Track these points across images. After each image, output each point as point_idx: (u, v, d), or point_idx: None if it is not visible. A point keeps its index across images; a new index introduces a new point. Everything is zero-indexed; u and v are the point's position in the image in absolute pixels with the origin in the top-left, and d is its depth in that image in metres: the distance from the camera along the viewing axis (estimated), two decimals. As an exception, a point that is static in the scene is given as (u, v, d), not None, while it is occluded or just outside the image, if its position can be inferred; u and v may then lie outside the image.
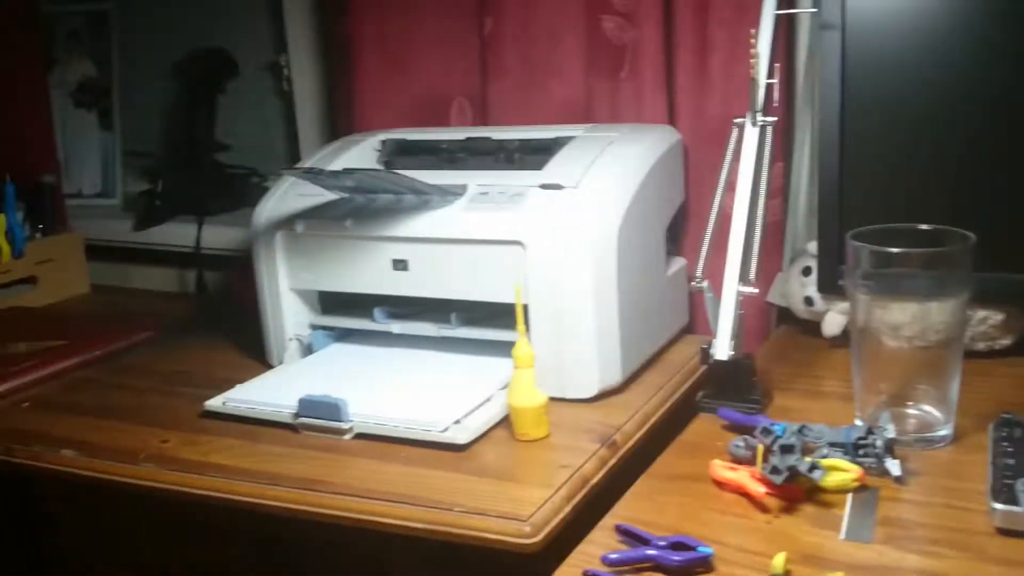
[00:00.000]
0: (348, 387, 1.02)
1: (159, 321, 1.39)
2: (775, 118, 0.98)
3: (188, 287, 1.73)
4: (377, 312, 1.15)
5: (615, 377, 1.02)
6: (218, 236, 1.64)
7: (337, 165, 1.18)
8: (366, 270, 1.10)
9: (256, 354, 1.23)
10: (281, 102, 1.78)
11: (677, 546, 0.72)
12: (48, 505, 1.07)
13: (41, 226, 1.59)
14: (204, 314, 1.51)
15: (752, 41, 0.97)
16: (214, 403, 1.05)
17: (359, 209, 1.10)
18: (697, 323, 1.22)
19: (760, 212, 0.96)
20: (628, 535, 0.75)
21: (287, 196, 1.17)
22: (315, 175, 1.01)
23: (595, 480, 0.88)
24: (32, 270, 1.54)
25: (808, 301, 1.14)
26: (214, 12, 1.79)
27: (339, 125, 1.50)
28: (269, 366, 1.20)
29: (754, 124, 0.98)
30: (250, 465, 0.94)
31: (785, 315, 1.21)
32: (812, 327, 1.16)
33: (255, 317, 1.21)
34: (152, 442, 1.00)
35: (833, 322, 1.11)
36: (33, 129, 1.69)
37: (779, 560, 0.69)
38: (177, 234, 1.68)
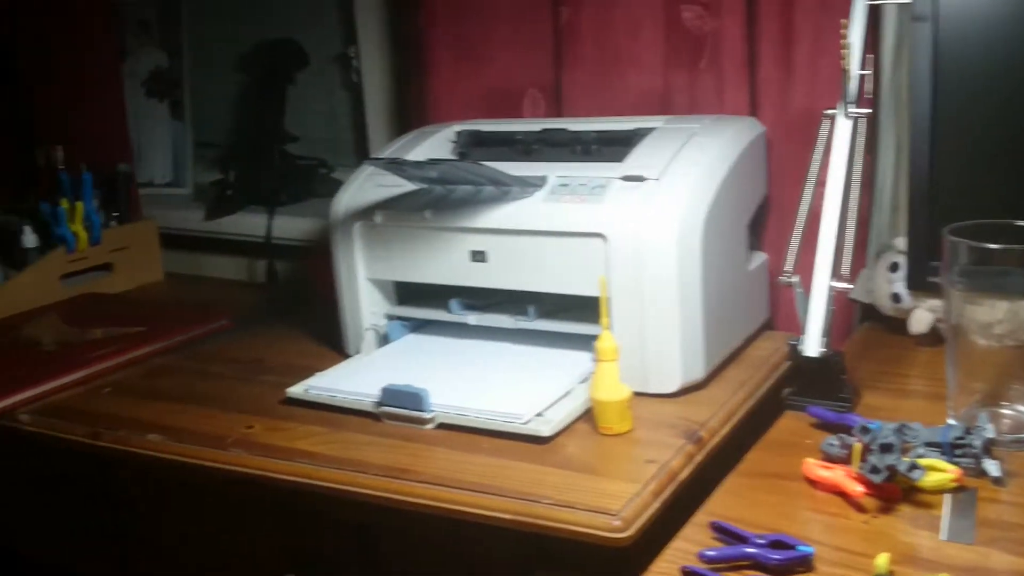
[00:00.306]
0: (427, 377, 1.02)
1: (233, 309, 1.40)
2: (868, 110, 0.96)
3: (257, 276, 1.75)
4: (453, 303, 1.15)
5: (698, 372, 1.01)
6: (287, 226, 1.66)
7: (413, 156, 1.18)
8: (444, 261, 1.10)
9: (331, 343, 1.24)
10: (349, 93, 1.79)
11: (776, 544, 0.71)
12: (130, 489, 1.09)
13: (116, 214, 1.61)
14: (276, 303, 1.53)
15: (843, 31, 0.95)
16: (296, 390, 1.06)
17: (438, 200, 1.10)
18: (777, 318, 1.20)
19: (853, 206, 0.94)
20: (724, 532, 0.74)
21: (365, 187, 1.17)
22: (398, 166, 1.02)
23: (683, 476, 0.87)
24: (108, 257, 1.57)
25: (895, 298, 1.12)
26: (284, 3, 1.81)
27: (410, 116, 1.50)
28: (345, 355, 1.20)
29: (846, 116, 0.96)
30: (335, 452, 0.94)
31: (868, 312, 1.19)
32: (897, 324, 1.14)
33: (329, 306, 1.22)
34: (237, 428, 1.01)
35: (921, 319, 1.09)
36: (108, 119, 1.72)
37: (883, 560, 0.68)
38: (247, 224, 1.70)
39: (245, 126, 1.85)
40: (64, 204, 1.49)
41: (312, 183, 1.76)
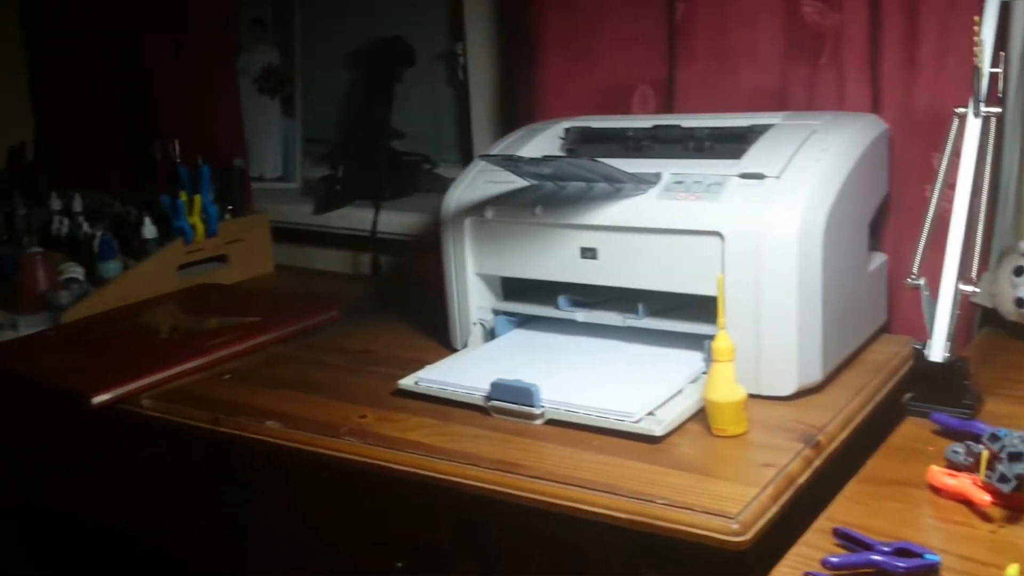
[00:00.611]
0: (536, 373, 1.02)
1: (341, 302, 1.43)
2: (999, 109, 0.93)
3: (361, 269, 1.78)
4: (561, 300, 1.15)
5: (815, 375, 0.99)
6: (392, 220, 1.69)
7: (524, 153, 1.18)
8: (553, 257, 1.11)
9: (438, 336, 1.26)
10: (454, 90, 1.81)
11: (901, 552, 0.69)
12: (246, 475, 1.12)
13: (231, 208, 1.66)
14: (382, 296, 1.55)
15: (975, 28, 0.92)
16: (407, 382, 1.08)
17: (549, 196, 1.10)
18: (893, 321, 1.17)
19: (982, 207, 0.90)
20: (847, 539, 0.73)
21: (476, 183, 1.18)
22: (512, 162, 1.02)
23: (800, 481, 0.85)
24: (223, 249, 1.62)
25: (1019, 302, 1.07)
26: (395, 1, 1.83)
27: (515, 113, 1.50)
28: (452, 348, 1.22)
29: (976, 115, 0.93)
30: (446, 444, 0.96)
31: (988, 316, 1.15)
32: (1020, 329, 1.09)
33: (435, 300, 1.24)
34: (351, 417, 1.03)
35: (1049, 326, 1.04)
36: (224, 115, 1.77)
37: (1013, 571, 0.65)
38: (353, 218, 1.74)
39: (353, 123, 1.88)
40: (183, 197, 1.54)
41: (416, 178, 1.79)
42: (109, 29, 1.87)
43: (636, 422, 0.92)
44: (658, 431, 0.91)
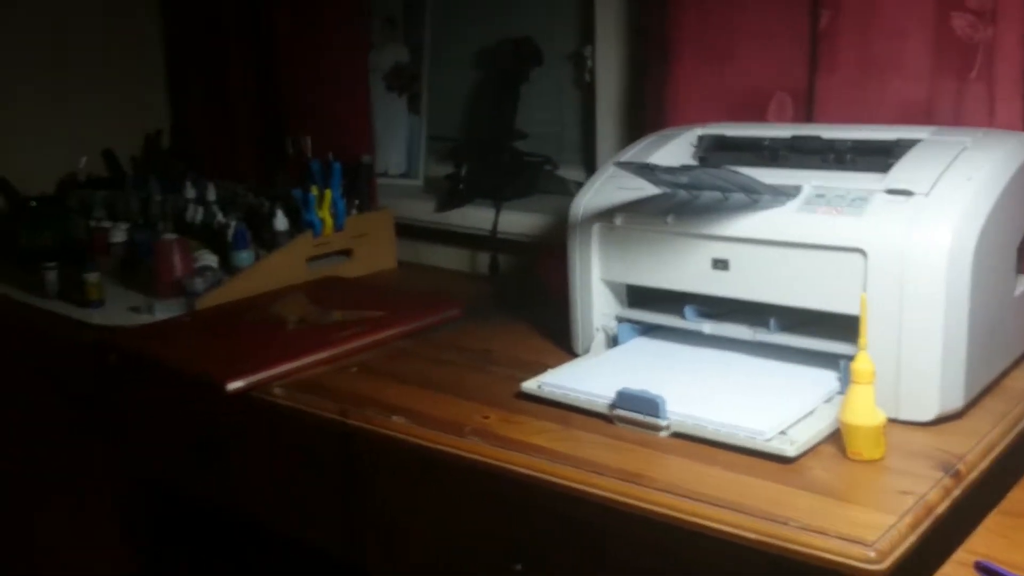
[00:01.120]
0: (660, 383, 1.01)
1: (461, 299, 1.44)
2: None
3: (479, 267, 1.80)
4: (688, 310, 1.13)
5: (956, 401, 0.95)
6: (511, 220, 1.70)
7: (655, 159, 1.17)
8: (683, 267, 1.09)
9: (558, 339, 1.26)
10: (579, 92, 1.81)
11: (1054, 596, 0.66)
12: (368, 466, 1.14)
13: (357, 203, 1.70)
14: (501, 295, 1.56)
15: None
16: (529, 385, 1.08)
17: (681, 205, 1.09)
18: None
19: None
20: (989, 573, 0.70)
21: (605, 188, 1.17)
22: (649, 171, 1.01)
23: (939, 510, 0.82)
24: (348, 243, 1.66)
25: None
26: (526, 2, 1.84)
27: (645, 118, 1.49)
28: (573, 353, 1.22)
29: None
30: (568, 450, 0.95)
31: None
32: None
33: (555, 302, 1.24)
34: (474, 417, 1.04)
35: None
36: (354, 112, 1.81)
37: None
38: (473, 217, 1.75)
39: (478, 122, 1.90)
40: (314, 191, 1.58)
41: (537, 180, 1.79)
42: (245, 23, 1.93)
43: (768, 441, 0.90)
44: (791, 452, 0.89)
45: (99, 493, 1.53)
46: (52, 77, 1.97)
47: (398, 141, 1.97)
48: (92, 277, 1.43)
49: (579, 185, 1.76)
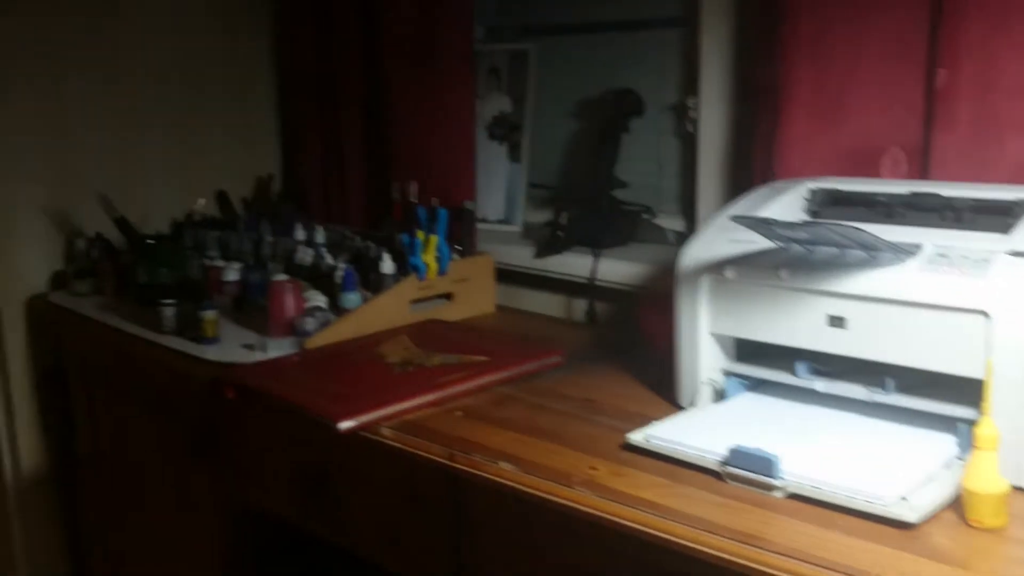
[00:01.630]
0: (773, 441, 1.00)
1: (560, 346, 1.45)
2: None
3: (574, 314, 1.81)
4: (800, 367, 1.12)
5: (1086, 471, 0.92)
6: (608, 268, 1.71)
7: (766, 212, 1.17)
8: (797, 323, 1.08)
9: (661, 390, 1.26)
10: (679, 142, 1.81)
11: None
12: (471, 511, 1.15)
13: (459, 248, 1.73)
14: (600, 343, 1.57)
15: None
16: (636, 437, 1.08)
17: (796, 260, 1.08)
18: None
19: None
20: None
21: (715, 240, 1.17)
22: (767, 226, 1.01)
23: (1072, 587, 0.79)
24: (451, 287, 1.69)
25: None
26: (628, 55, 1.86)
27: (751, 169, 1.48)
28: (677, 405, 1.21)
29: None
30: (679, 506, 0.95)
31: None
32: None
33: (655, 352, 1.23)
34: (581, 468, 1.05)
35: None
36: (460, 159, 1.85)
37: None
38: (571, 263, 1.77)
39: (579, 170, 1.92)
40: (420, 236, 1.62)
41: (636, 228, 1.80)
42: (357, 72, 2.00)
43: (889, 506, 0.88)
44: (913, 518, 0.87)
45: (205, 520, 1.58)
46: (175, 124, 2.07)
47: (497, 188, 2.00)
48: (209, 315, 1.49)
49: (677, 234, 1.78)
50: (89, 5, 1.94)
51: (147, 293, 1.68)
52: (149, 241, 1.77)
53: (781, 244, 1.09)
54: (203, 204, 1.98)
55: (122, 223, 1.82)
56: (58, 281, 1.94)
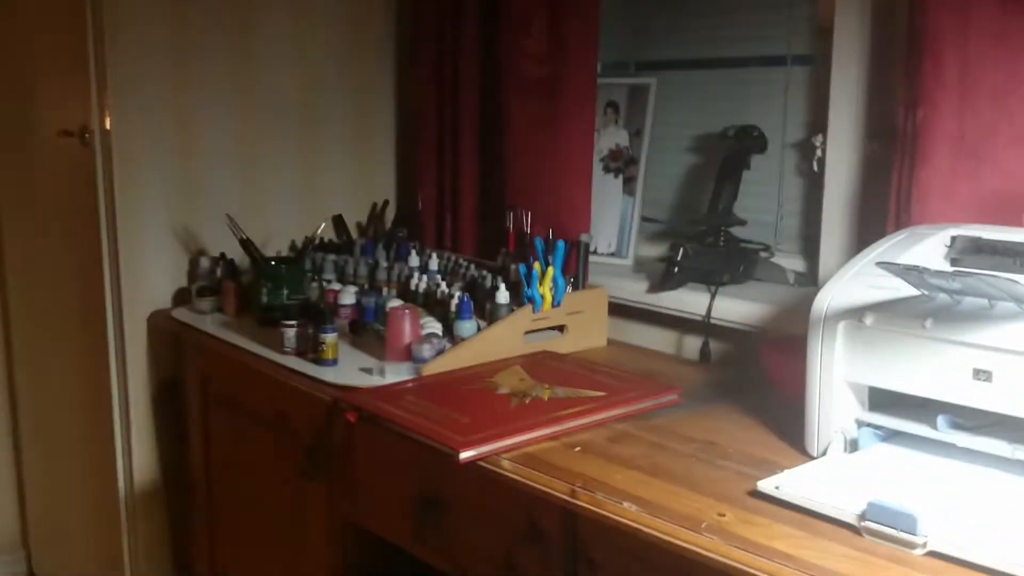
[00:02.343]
0: (911, 496, 0.96)
1: (680, 384, 1.43)
2: None
3: (685, 351, 1.78)
4: (941, 420, 1.07)
5: None
6: (724, 306, 1.67)
7: (905, 258, 1.13)
8: (939, 374, 1.04)
9: (788, 436, 1.22)
10: (802, 180, 1.78)
11: None
12: (589, 546, 1.13)
13: (572, 280, 1.72)
14: (718, 383, 1.53)
15: None
16: (766, 486, 1.05)
17: (941, 310, 1.04)
18: None
19: None
20: None
21: (853, 285, 1.14)
22: (916, 274, 0.97)
23: None
24: (564, 319, 1.68)
25: None
26: (751, 93, 1.84)
27: (882, 211, 1.44)
28: (806, 452, 1.18)
29: None
30: (815, 559, 0.91)
31: None
32: None
33: (778, 394, 1.19)
34: (709, 513, 1.02)
35: None
36: (577, 192, 1.85)
37: None
38: (684, 300, 1.74)
39: (694, 205, 1.90)
40: (537, 267, 1.62)
41: (754, 266, 1.76)
42: (476, 102, 2.02)
43: (1043, 573, 0.83)
44: (1069, 587, 0.82)
45: (315, 538, 1.59)
46: (298, 149, 2.14)
47: (610, 221, 1.99)
48: (330, 337, 1.51)
49: (798, 275, 1.74)
50: (221, 36, 2.01)
51: (268, 313, 1.72)
52: (272, 263, 1.81)
53: (927, 293, 1.05)
54: (324, 228, 2.02)
55: (247, 244, 1.87)
56: (180, 298, 2.00)
